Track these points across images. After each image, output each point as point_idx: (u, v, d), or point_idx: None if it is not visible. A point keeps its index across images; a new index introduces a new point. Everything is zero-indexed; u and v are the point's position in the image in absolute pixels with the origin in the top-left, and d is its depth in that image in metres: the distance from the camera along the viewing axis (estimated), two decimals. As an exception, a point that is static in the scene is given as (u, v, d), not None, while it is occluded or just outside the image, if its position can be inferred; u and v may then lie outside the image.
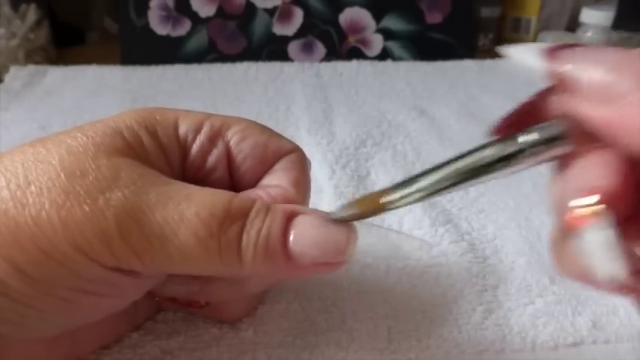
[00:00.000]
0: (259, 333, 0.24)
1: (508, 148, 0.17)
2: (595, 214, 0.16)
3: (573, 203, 0.16)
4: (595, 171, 0.16)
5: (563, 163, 0.17)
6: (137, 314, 0.24)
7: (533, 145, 0.17)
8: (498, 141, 0.18)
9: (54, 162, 0.18)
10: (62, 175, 0.18)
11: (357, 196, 0.20)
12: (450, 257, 0.29)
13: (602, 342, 0.24)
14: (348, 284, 0.27)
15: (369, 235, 0.19)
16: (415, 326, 0.25)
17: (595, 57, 0.16)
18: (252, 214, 0.18)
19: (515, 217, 0.33)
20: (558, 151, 0.17)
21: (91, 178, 0.18)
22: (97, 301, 0.19)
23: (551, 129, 0.17)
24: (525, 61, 0.18)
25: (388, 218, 0.32)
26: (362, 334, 0.24)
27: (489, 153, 0.18)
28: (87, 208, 0.17)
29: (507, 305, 0.26)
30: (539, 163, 0.17)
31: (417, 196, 0.18)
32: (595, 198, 0.16)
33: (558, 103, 0.18)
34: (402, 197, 0.18)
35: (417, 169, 0.38)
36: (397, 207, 0.19)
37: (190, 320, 0.25)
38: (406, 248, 0.20)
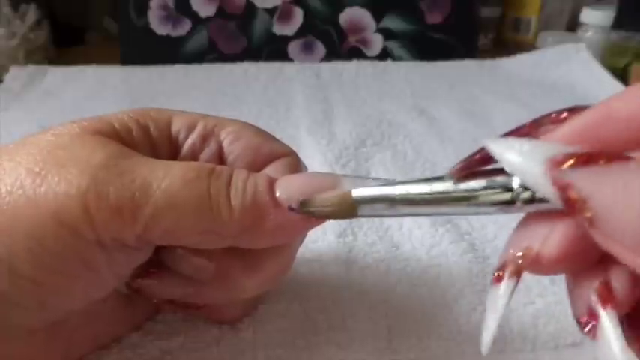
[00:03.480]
0: (259, 333, 0.24)
1: (500, 196, 0.15)
2: (511, 273, 0.15)
3: (504, 256, 0.16)
4: (537, 232, 0.15)
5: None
6: (136, 315, 0.24)
7: (530, 200, 0.15)
8: (486, 176, 0.16)
9: (37, 142, 0.18)
10: (45, 150, 0.18)
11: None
12: (450, 257, 0.29)
13: (602, 342, 0.24)
14: (348, 284, 0.27)
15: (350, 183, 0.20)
16: (415, 326, 0.25)
17: (620, 189, 0.12)
18: (236, 172, 0.19)
19: (515, 217, 0.33)
20: (544, 207, 0.15)
21: (74, 149, 0.18)
22: (67, 283, 0.18)
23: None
24: (520, 168, 0.14)
25: (388, 218, 0.32)
26: (362, 334, 0.24)
27: (481, 193, 0.16)
28: (64, 172, 0.17)
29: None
30: (518, 212, 0.16)
31: (384, 204, 0.17)
32: (519, 259, 0.15)
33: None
34: (370, 199, 0.17)
35: (417, 169, 0.38)
36: (365, 213, 0.17)
37: (190, 320, 0.25)
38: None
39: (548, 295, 0.27)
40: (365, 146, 0.41)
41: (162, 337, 0.24)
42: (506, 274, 0.15)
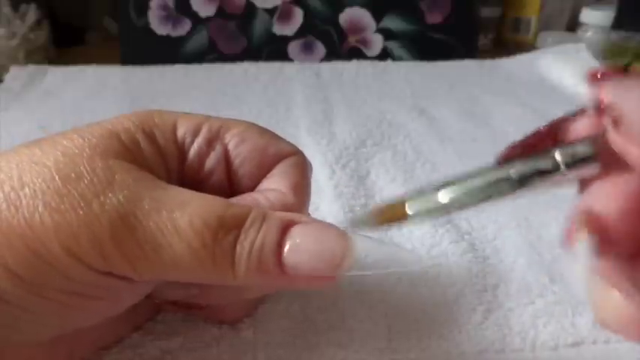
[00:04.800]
0: (259, 333, 0.24)
1: (542, 163, 0.17)
2: (582, 236, 0.16)
3: (572, 219, 0.16)
4: (600, 195, 0.16)
5: (584, 185, 0.17)
6: (137, 316, 0.24)
7: (571, 163, 0.16)
8: (527, 157, 0.17)
9: (49, 164, 0.18)
10: (57, 177, 0.17)
11: (380, 205, 0.19)
12: (450, 257, 0.29)
13: (602, 342, 0.24)
14: (348, 284, 0.27)
15: (365, 247, 0.19)
16: (415, 326, 0.25)
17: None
18: (248, 224, 0.18)
19: (515, 217, 0.33)
20: (586, 172, 0.17)
21: (85, 181, 0.18)
22: (90, 304, 0.18)
23: (584, 148, 0.16)
24: (566, 76, 0.18)
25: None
26: (362, 334, 0.24)
27: (521, 168, 0.17)
28: (81, 212, 0.17)
29: (507, 305, 0.26)
30: (564, 182, 0.17)
31: (440, 211, 0.18)
32: (585, 221, 0.16)
33: (583, 129, 0.18)
34: (425, 211, 0.18)
35: (417, 169, 0.38)
36: (419, 221, 0.18)
37: (190, 320, 0.25)
38: (401, 262, 0.20)
39: (548, 295, 0.27)
40: (365, 146, 0.41)
41: (162, 337, 0.24)
42: (577, 233, 0.16)
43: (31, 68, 0.54)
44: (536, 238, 0.31)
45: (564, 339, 0.24)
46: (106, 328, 0.22)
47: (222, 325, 0.24)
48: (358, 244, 0.19)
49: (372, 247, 0.19)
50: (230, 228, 0.18)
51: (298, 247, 0.18)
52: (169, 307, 0.24)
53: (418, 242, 0.30)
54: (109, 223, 0.17)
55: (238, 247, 0.18)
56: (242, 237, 0.18)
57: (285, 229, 0.18)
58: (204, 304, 0.23)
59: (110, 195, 0.17)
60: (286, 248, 0.18)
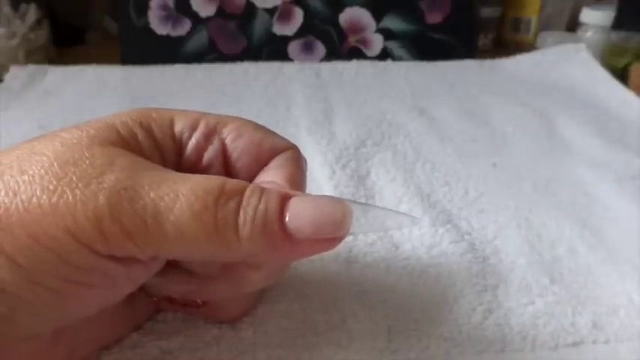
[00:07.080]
0: (259, 333, 0.24)
1: None
2: None
3: None
4: None
5: None
6: (137, 315, 0.24)
7: None
8: None
9: (48, 153, 0.18)
10: (55, 164, 0.18)
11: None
12: (450, 257, 0.29)
13: (602, 342, 0.24)
14: (348, 284, 0.27)
15: (360, 210, 0.19)
16: (415, 326, 0.25)
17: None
18: (248, 193, 0.18)
19: (515, 217, 0.33)
20: None
21: (84, 165, 0.18)
22: (86, 292, 0.18)
23: None
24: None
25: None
26: (362, 334, 0.24)
27: None
28: (78, 192, 0.17)
29: (507, 305, 0.26)
30: None
31: None
32: None
33: None
34: None
35: (417, 169, 0.38)
36: None
37: (190, 320, 0.25)
38: (395, 225, 0.20)
39: (548, 295, 0.27)
40: (365, 146, 0.41)
41: (162, 337, 0.24)
42: None
43: (31, 68, 0.54)
44: (536, 238, 0.31)
45: (564, 339, 0.24)
46: (106, 327, 0.22)
47: (222, 324, 0.24)
48: (355, 206, 0.19)
49: (368, 210, 0.19)
50: (231, 195, 0.18)
51: (299, 213, 0.18)
52: (166, 305, 0.24)
53: (418, 242, 0.30)
54: (107, 199, 0.17)
55: (242, 212, 0.18)
56: (244, 203, 0.18)
57: (284, 199, 0.19)
58: (201, 301, 0.23)
59: (109, 174, 0.18)
60: (287, 214, 0.18)
